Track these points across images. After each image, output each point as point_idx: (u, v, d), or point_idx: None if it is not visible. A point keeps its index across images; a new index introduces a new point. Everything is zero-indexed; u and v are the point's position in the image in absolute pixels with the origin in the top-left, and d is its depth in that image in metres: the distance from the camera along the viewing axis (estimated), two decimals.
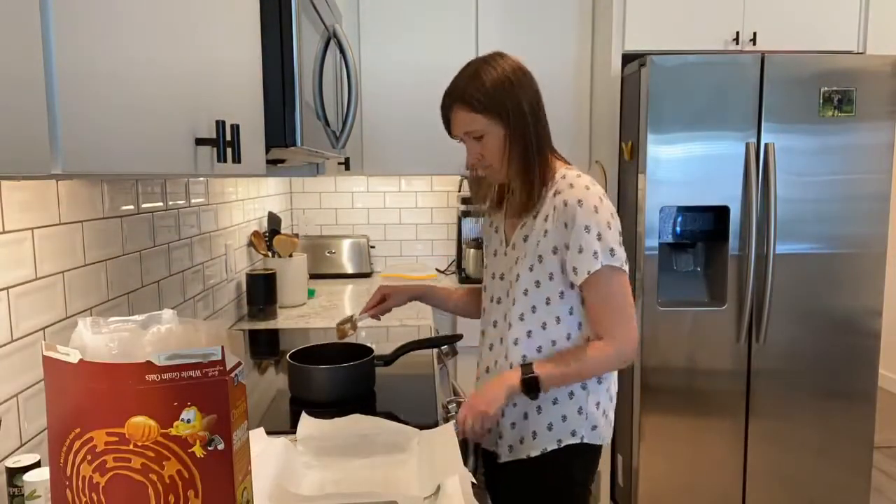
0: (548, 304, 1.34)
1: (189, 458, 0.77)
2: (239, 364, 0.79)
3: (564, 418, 1.35)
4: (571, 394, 1.35)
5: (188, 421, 0.76)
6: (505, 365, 1.38)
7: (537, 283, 1.34)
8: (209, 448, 0.77)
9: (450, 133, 1.37)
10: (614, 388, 1.42)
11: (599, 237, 1.26)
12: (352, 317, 1.61)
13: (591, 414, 1.36)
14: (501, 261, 1.43)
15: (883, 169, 2.44)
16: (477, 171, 1.39)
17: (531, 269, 1.34)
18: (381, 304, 1.60)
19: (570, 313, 1.35)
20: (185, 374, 0.76)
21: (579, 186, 1.29)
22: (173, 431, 0.76)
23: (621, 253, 1.29)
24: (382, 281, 3.04)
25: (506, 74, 1.28)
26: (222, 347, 0.77)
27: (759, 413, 2.54)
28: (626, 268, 1.31)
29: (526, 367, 1.31)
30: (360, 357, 1.52)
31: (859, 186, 2.45)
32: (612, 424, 1.42)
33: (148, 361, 0.74)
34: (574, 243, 1.27)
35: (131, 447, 0.75)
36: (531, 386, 1.29)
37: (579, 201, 1.27)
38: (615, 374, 1.41)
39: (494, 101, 1.28)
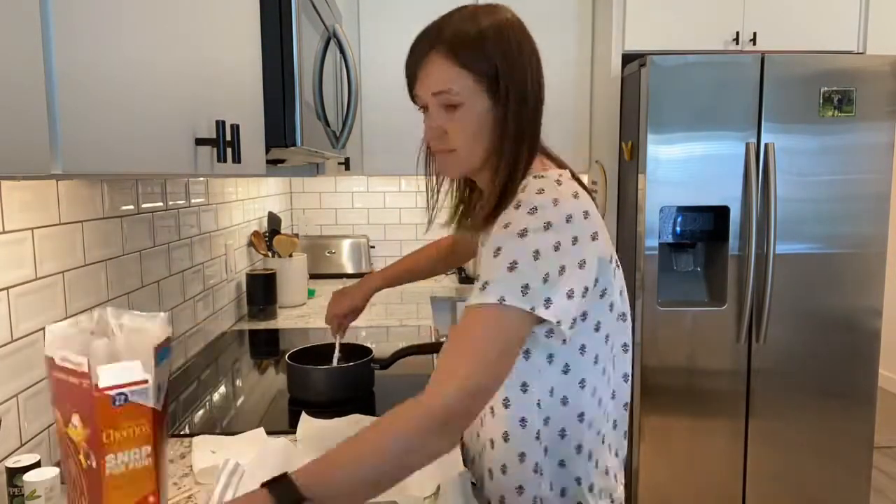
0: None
1: (78, 463, 0.74)
2: (141, 383, 0.74)
3: (564, 492, 1.00)
4: (521, 489, 0.99)
5: (75, 426, 0.73)
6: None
7: None
8: (89, 461, 0.73)
9: (411, 93, 1.00)
10: (612, 456, 1.04)
11: (512, 268, 0.86)
12: (332, 345, 1.58)
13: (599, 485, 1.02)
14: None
15: (883, 169, 2.44)
16: (434, 153, 1.02)
17: None
18: (344, 321, 1.52)
19: (550, 362, 0.97)
20: (68, 379, 0.73)
21: (524, 207, 0.90)
22: (69, 432, 0.74)
23: (544, 293, 0.86)
24: None
25: (513, 31, 0.94)
26: (88, 359, 0.72)
27: (759, 413, 2.54)
28: (554, 312, 0.87)
29: (279, 485, 0.75)
30: (359, 358, 1.52)
31: (859, 186, 2.45)
32: (622, 485, 1.07)
33: (50, 356, 0.73)
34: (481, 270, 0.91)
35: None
36: None
37: (506, 224, 0.90)
38: (617, 432, 1.05)
39: (490, 57, 0.92)
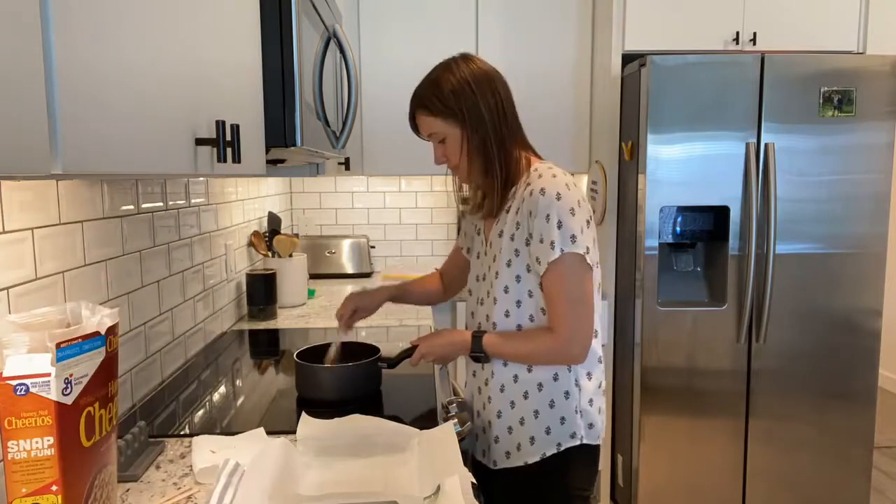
0: (531, 296, 1.33)
1: None
2: (43, 375, 0.77)
3: (563, 420, 1.34)
4: (567, 394, 1.34)
5: None
6: (492, 365, 1.39)
7: (518, 278, 1.33)
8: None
9: (417, 135, 1.43)
10: (602, 379, 1.41)
11: (560, 225, 1.25)
12: (329, 345, 1.58)
13: (587, 412, 1.35)
14: (483, 261, 1.44)
15: (883, 169, 2.44)
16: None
17: (509, 265, 1.34)
18: (353, 317, 1.58)
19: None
20: None
21: (546, 176, 1.29)
22: None
23: (584, 241, 1.26)
24: (382, 282, 3.04)
25: (465, 78, 1.33)
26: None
27: (759, 413, 2.54)
28: (591, 258, 1.28)
29: (476, 340, 1.35)
30: (367, 357, 1.52)
31: (859, 186, 2.45)
32: (604, 418, 1.41)
33: None
34: (536, 233, 1.27)
35: None
36: (477, 360, 1.40)
37: (542, 189, 1.26)
38: (601, 365, 1.39)
39: (451, 104, 1.32)
